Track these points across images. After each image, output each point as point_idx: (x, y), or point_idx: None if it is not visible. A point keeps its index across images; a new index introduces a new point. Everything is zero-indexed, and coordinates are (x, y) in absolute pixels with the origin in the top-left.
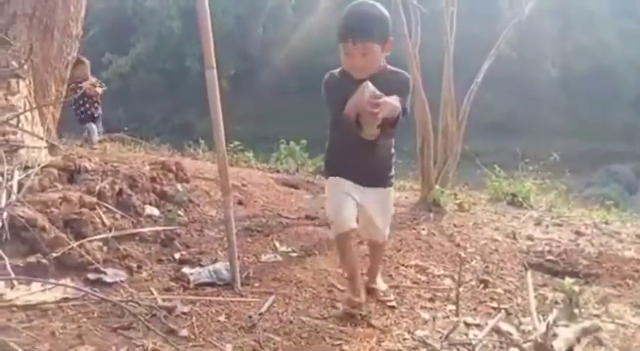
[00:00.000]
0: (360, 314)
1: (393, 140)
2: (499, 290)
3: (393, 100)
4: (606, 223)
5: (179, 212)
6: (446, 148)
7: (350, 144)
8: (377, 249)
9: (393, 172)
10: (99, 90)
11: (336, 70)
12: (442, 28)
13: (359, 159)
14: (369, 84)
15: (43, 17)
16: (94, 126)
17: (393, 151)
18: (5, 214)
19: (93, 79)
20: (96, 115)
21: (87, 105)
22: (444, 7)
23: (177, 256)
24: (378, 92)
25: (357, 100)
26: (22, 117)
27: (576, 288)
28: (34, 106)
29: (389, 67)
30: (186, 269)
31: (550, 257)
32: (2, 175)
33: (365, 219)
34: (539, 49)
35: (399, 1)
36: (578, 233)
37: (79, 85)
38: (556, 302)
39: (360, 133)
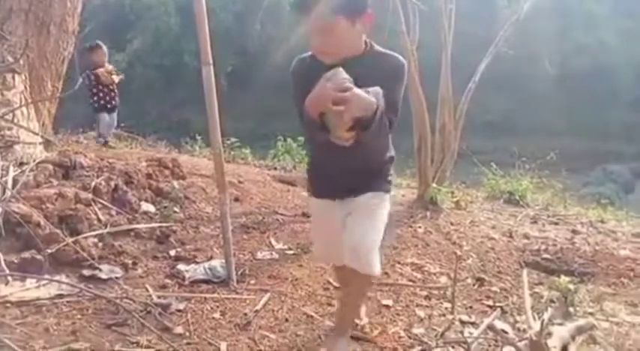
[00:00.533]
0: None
1: (389, 140)
2: (495, 288)
3: (370, 94)
4: (602, 221)
5: (175, 209)
6: (443, 147)
7: (327, 150)
8: (355, 278)
9: (389, 178)
10: (115, 78)
11: (308, 54)
12: (440, 26)
13: (340, 170)
14: (339, 71)
15: (39, 12)
16: (106, 117)
17: (390, 154)
18: (0, 210)
19: (109, 67)
20: (109, 106)
21: (101, 94)
22: (443, 4)
23: (172, 252)
24: (347, 83)
25: (318, 94)
26: (17, 112)
27: (571, 286)
28: (29, 101)
29: (376, 48)
30: (181, 266)
31: (546, 256)
32: None
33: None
34: (537, 48)
35: None
36: (574, 232)
37: (94, 71)
38: (551, 300)
39: (329, 137)
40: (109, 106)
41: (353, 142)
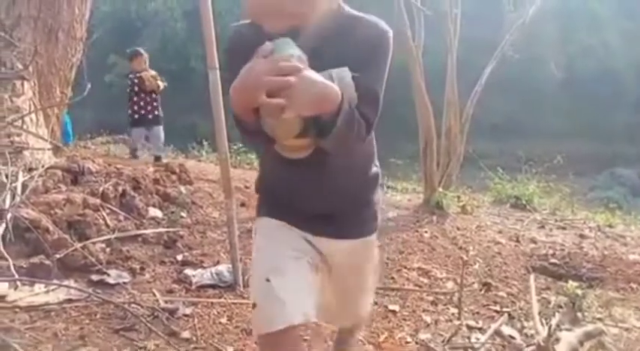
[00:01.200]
0: None
1: (372, 148)
2: (502, 293)
3: (333, 79)
4: (610, 226)
5: (182, 214)
6: (449, 151)
7: (279, 165)
8: (347, 333)
9: (375, 207)
10: (160, 84)
11: (246, 21)
12: (446, 30)
13: (300, 194)
14: (285, 43)
15: (47, 19)
16: (141, 132)
17: (375, 169)
18: (9, 216)
19: (152, 72)
20: (150, 116)
21: (142, 103)
22: (448, 9)
23: (179, 257)
24: (292, 61)
25: (245, 78)
26: (26, 118)
27: (580, 291)
28: (38, 107)
29: (348, 10)
30: (188, 271)
31: (553, 260)
32: (7, 177)
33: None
34: (543, 51)
35: (402, 3)
36: (582, 236)
37: (138, 75)
38: (559, 306)
39: (274, 146)
40: (150, 116)
41: (314, 153)
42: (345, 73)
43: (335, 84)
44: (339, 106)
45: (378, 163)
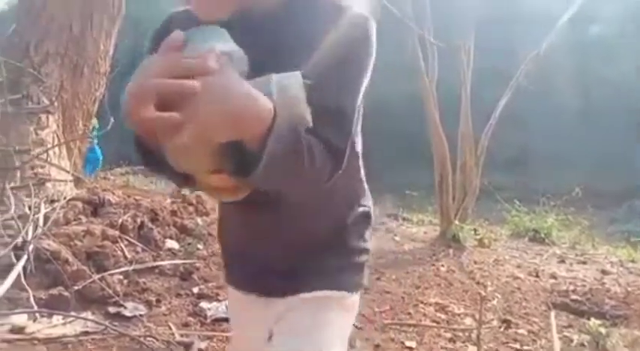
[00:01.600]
0: None
1: (356, 182)
2: (522, 331)
3: (271, 85)
4: (633, 261)
5: (198, 246)
6: (464, 184)
7: (232, 205)
8: None
9: (359, 259)
10: None
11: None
12: (459, 62)
13: (255, 243)
14: (209, 31)
15: (73, 56)
16: None
17: (361, 209)
18: (31, 247)
19: None
20: None
21: None
22: (461, 41)
23: (195, 290)
24: (209, 59)
25: (141, 77)
26: (50, 151)
27: (603, 330)
28: (61, 140)
29: None
30: (204, 304)
31: (575, 297)
32: (30, 208)
33: None
34: (558, 82)
35: (415, 38)
36: (604, 272)
37: None
38: (582, 344)
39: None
40: None
41: (260, 193)
42: (294, 79)
43: (273, 94)
44: (269, 128)
45: (370, 203)
